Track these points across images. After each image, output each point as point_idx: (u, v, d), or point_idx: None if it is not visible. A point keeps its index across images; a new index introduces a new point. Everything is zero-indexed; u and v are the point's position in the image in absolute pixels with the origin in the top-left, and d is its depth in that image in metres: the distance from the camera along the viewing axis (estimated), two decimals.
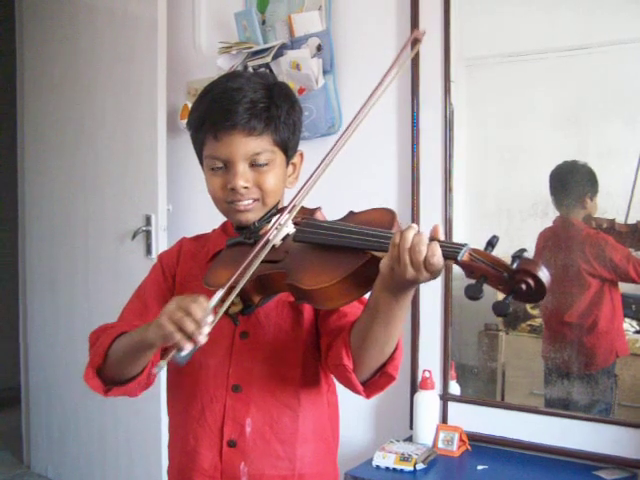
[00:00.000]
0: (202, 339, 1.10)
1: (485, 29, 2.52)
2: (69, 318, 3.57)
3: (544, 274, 0.97)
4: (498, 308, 1.00)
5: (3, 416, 4.72)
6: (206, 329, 1.10)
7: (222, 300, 1.17)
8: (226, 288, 1.17)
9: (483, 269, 1.00)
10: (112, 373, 1.34)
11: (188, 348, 1.10)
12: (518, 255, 0.99)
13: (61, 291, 3.65)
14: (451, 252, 1.02)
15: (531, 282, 0.97)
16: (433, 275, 1.05)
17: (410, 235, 1.05)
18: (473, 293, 1.00)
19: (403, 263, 1.04)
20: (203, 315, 1.09)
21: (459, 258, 1.01)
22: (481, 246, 1.04)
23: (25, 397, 3.98)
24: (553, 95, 2.43)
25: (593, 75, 2.37)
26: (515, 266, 0.98)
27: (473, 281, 1.02)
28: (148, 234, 3.15)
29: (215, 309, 1.14)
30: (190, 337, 1.09)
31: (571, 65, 2.40)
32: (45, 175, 3.74)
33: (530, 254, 1.00)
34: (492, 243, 1.03)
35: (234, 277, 1.17)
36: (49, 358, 3.71)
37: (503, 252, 1.05)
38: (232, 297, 1.17)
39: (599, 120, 2.37)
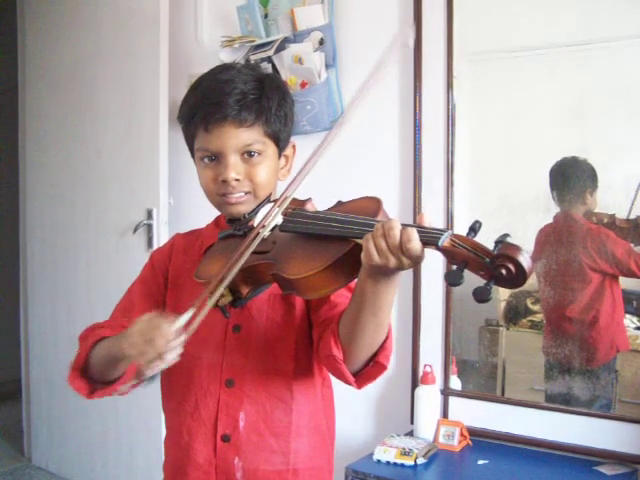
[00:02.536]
0: (169, 362, 1.08)
1: (488, 24, 2.51)
2: (70, 311, 3.57)
3: (525, 259, 0.95)
4: (479, 293, 0.97)
5: (4, 409, 4.74)
6: (174, 351, 1.08)
7: (209, 294, 1.16)
8: (210, 288, 1.16)
9: (464, 255, 0.99)
10: (96, 375, 1.34)
11: (153, 370, 1.08)
12: (500, 240, 0.98)
13: (62, 284, 3.66)
14: (432, 238, 1.01)
15: (511, 267, 0.95)
16: (414, 260, 1.03)
17: (380, 225, 1.05)
18: (454, 279, 0.99)
19: (380, 250, 1.04)
20: (170, 338, 1.07)
21: (440, 244, 1.00)
22: (483, 240, 1.03)
23: (26, 390, 3.99)
24: (556, 90, 2.42)
25: (596, 70, 2.36)
26: (496, 251, 0.97)
27: (454, 267, 1.00)
28: (149, 228, 3.15)
29: (184, 327, 1.11)
30: (160, 358, 1.07)
31: (574, 60, 2.39)
32: (47, 168, 3.75)
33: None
34: (474, 228, 1.01)
35: (222, 272, 1.17)
36: (50, 351, 3.71)
37: None
38: (220, 290, 1.16)
39: (602, 115, 2.36)
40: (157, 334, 1.07)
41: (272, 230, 1.27)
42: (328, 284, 1.13)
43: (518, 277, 0.96)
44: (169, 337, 1.07)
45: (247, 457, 1.37)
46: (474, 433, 2.46)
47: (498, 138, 2.55)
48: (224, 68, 1.41)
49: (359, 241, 1.09)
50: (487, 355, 2.57)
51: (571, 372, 2.37)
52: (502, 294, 2.53)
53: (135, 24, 3.19)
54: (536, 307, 2.48)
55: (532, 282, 2.44)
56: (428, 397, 2.49)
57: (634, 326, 2.32)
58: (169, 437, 1.49)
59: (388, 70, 1.21)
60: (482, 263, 0.98)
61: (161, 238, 3.10)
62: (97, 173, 3.43)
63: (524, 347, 2.54)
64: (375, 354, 1.23)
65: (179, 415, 1.42)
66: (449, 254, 1.01)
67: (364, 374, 1.26)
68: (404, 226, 1.03)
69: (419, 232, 1.02)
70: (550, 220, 2.41)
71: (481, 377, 2.58)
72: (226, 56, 2.97)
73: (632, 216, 2.26)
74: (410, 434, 2.49)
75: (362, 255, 1.07)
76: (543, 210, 2.41)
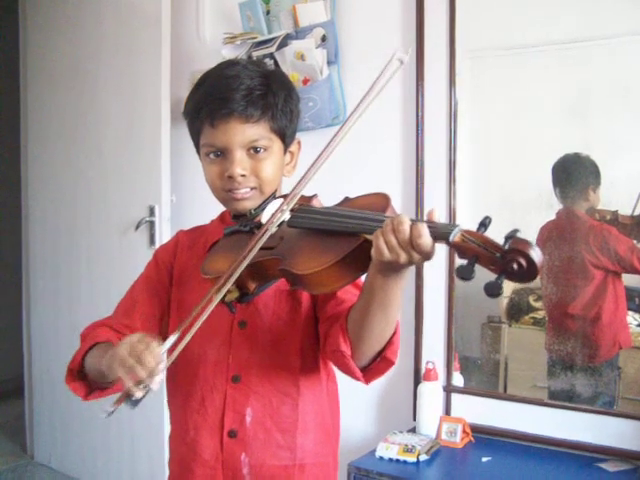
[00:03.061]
0: (154, 387, 1.08)
1: (490, 22, 2.51)
2: (72, 309, 3.58)
3: (536, 253, 0.96)
4: (490, 288, 0.98)
5: (6, 407, 4.74)
6: (159, 377, 1.08)
7: (218, 289, 1.17)
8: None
9: (475, 250, 0.99)
10: (92, 377, 1.34)
11: (140, 394, 1.08)
12: (510, 235, 0.98)
13: (64, 282, 3.66)
14: (442, 233, 1.01)
15: (523, 261, 0.96)
16: (424, 256, 1.03)
17: (389, 220, 1.05)
18: (464, 274, 0.99)
19: (390, 246, 1.03)
20: (156, 362, 1.07)
21: (450, 239, 1.00)
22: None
23: (28, 388, 3.99)
24: (558, 87, 2.42)
25: (598, 67, 2.36)
26: (507, 246, 0.97)
27: (465, 262, 1.01)
28: (152, 225, 3.15)
29: (170, 350, 1.12)
30: (142, 384, 1.07)
31: (576, 57, 2.39)
32: (48, 166, 3.75)
33: (523, 235, 0.98)
34: (484, 224, 1.01)
35: (231, 269, 1.17)
36: (52, 349, 3.72)
37: None
38: (227, 287, 1.17)
39: (604, 112, 2.36)
40: (147, 352, 1.07)
41: (279, 226, 1.27)
42: (337, 279, 1.13)
43: (529, 271, 0.96)
44: (157, 357, 1.07)
45: (254, 452, 1.37)
46: (476, 430, 2.46)
47: (500, 135, 2.55)
48: (230, 64, 1.42)
49: (368, 237, 1.09)
50: (489, 352, 2.57)
51: (574, 369, 2.37)
52: (504, 291, 2.52)
53: (137, 21, 3.18)
54: (538, 304, 2.47)
55: None
56: (430, 394, 2.49)
57: (636, 323, 2.32)
58: (174, 434, 1.49)
59: (387, 87, 1.21)
60: (493, 258, 0.98)
61: (163, 235, 3.10)
62: (99, 170, 3.43)
63: (526, 344, 2.54)
64: (383, 349, 1.24)
65: (185, 411, 1.43)
66: (459, 249, 1.01)
67: (372, 369, 1.27)
68: (414, 221, 1.03)
69: (429, 227, 1.02)
70: (553, 217, 2.41)
71: (483, 374, 2.57)
72: (228, 53, 2.97)
73: (636, 212, 2.25)
74: (412, 431, 2.49)
75: (372, 251, 1.07)
76: (545, 207, 2.41)
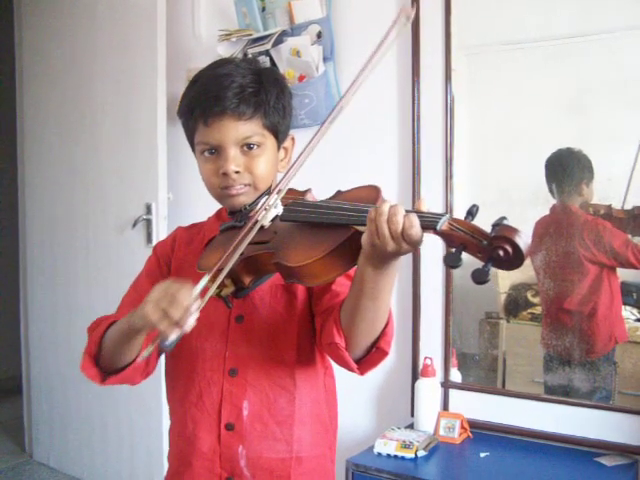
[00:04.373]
0: (189, 326, 1.10)
1: (486, 17, 2.51)
2: (70, 307, 3.58)
3: (522, 240, 0.96)
4: (477, 275, 0.98)
5: (5, 405, 4.75)
6: (193, 316, 1.10)
7: (211, 282, 1.17)
8: (214, 270, 1.17)
9: (462, 238, 1.00)
10: (108, 361, 1.35)
11: (174, 335, 1.09)
12: (497, 223, 0.99)
13: (62, 280, 3.66)
14: (430, 222, 1.02)
15: (508, 248, 0.96)
16: (413, 246, 1.04)
17: (385, 208, 1.05)
18: (452, 261, 1.00)
19: (382, 236, 1.04)
20: (189, 302, 1.09)
21: (438, 227, 1.01)
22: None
23: (26, 386, 3.99)
24: (554, 83, 2.42)
25: (594, 62, 2.36)
26: (493, 233, 0.98)
27: (453, 250, 1.02)
28: (148, 223, 3.15)
29: (202, 294, 1.13)
30: (176, 325, 1.09)
31: (572, 52, 2.39)
32: (45, 164, 3.74)
33: (509, 222, 0.99)
34: (472, 212, 1.02)
35: (222, 259, 1.18)
36: (50, 347, 3.72)
37: None
38: (220, 278, 1.17)
39: (600, 107, 2.36)
40: (181, 292, 1.09)
41: (273, 220, 1.28)
42: (329, 271, 1.15)
43: (515, 258, 0.97)
44: (191, 298, 1.09)
45: (251, 445, 1.39)
46: (474, 425, 2.47)
47: (497, 131, 2.55)
48: (222, 62, 1.43)
49: (360, 228, 1.10)
50: (487, 348, 2.57)
51: (571, 364, 2.37)
52: (502, 287, 2.53)
53: (132, 18, 3.18)
54: (536, 299, 2.48)
55: (532, 274, 2.44)
56: (428, 390, 2.49)
57: (634, 318, 2.32)
58: (173, 428, 1.50)
59: (388, 51, 1.20)
60: (479, 245, 0.99)
61: (160, 233, 3.10)
62: (96, 168, 3.43)
63: (524, 339, 2.54)
64: (376, 340, 1.25)
65: (183, 405, 1.44)
66: (447, 237, 1.02)
67: (366, 360, 1.27)
68: (406, 212, 1.04)
69: (418, 217, 1.03)
70: (547, 212, 2.41)
71: (481, 370, 2.58)
72: (224, 50, 2.96)
73: (628, 206, 2.25)
74: (410, 427, 2.50)
75: (362, 240, 1.08)
76: (542, 202, 2.41)
